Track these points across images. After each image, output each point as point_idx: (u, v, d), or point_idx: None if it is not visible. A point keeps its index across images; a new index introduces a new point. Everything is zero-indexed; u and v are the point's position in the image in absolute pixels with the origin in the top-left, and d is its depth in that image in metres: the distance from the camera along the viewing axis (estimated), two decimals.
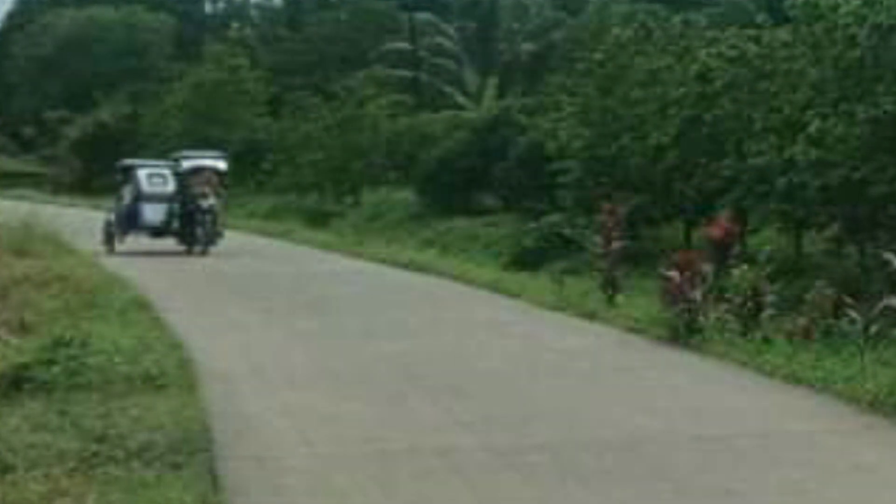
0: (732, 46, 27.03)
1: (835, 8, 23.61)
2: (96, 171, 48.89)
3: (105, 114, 55.53)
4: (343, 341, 13.34)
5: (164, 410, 8.81)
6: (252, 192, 44.09)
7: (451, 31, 55.90)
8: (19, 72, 63.43)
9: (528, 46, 52.35)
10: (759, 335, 12.61)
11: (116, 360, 10.33)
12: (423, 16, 56.29)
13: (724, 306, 13.45)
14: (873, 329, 11.65)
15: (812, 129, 22.59)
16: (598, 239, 17.33)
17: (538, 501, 7.06)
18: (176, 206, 26.79)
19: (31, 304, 13.88)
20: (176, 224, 26.80)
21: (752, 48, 26.63)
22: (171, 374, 10.23)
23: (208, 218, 26.29)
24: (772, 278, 14.05)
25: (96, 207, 35.11)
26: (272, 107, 51.54)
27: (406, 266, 23.27)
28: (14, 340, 11.31)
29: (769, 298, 13.51)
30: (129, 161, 29.50)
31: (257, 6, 72.45)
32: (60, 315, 13.17)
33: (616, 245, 16.71)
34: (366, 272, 22.80)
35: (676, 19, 31.75)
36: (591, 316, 15.25)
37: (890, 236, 20.20)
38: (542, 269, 24.20)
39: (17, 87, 63.24)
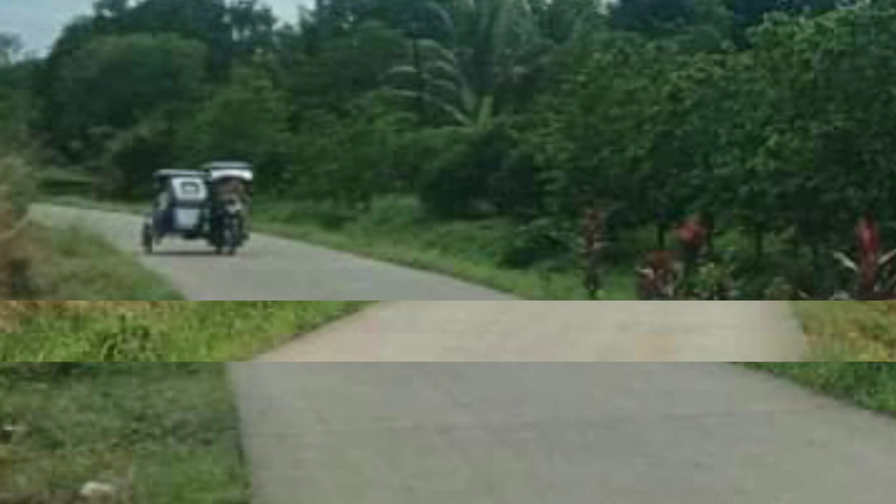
0: (700, 69, 27.10)
1: (791, 35, 23.68)
2: (136, 181, 48.89)
3: (143, 129, 55.54)
4: None
5: (195, 393, 8.80)
6: (274, 198, 44.10)
7: (450, 56, 55.90)
8: (67, 92, 63.45)
9: (519, 69, 52.35)
10: None
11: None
12: (425, 42, 56.30)
13: (692, 299, 13.45)
14: None
15: (771, 143, 22.64)
16: (581, 240, 17.32)
17: (528, 473, 7.05)
18: (206, 211, 26.79)
19: (78, 298, 13.86)
20: (206, 227, 26.80)
21: (718, 71, 26.69)
22: None
23: (235, 222, 26.30)
24: (735, 275, 14.06)
25: (136, 212, 35.09)
26: (292, 123, 51.55)
27: (410, 265, 23.24)
28: None
29: (733, 293, 13.51)
30: (164, 171, 29.50)
31: (279, 34, 72.50)
32: None
33: (597, 246, 16.71)
34: (375, 270, 22.78)
35: (651, 45, 31.81)
36: None
37: (840, 238, 20.25)
38: (531, 266, 24.23)
39: (65, 106, 63.26)
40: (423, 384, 9.73)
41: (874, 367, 9.31)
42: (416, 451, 7.52)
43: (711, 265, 13.90)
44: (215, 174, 27.56)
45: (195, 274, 20.47)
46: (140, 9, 70.85)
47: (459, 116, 51.35)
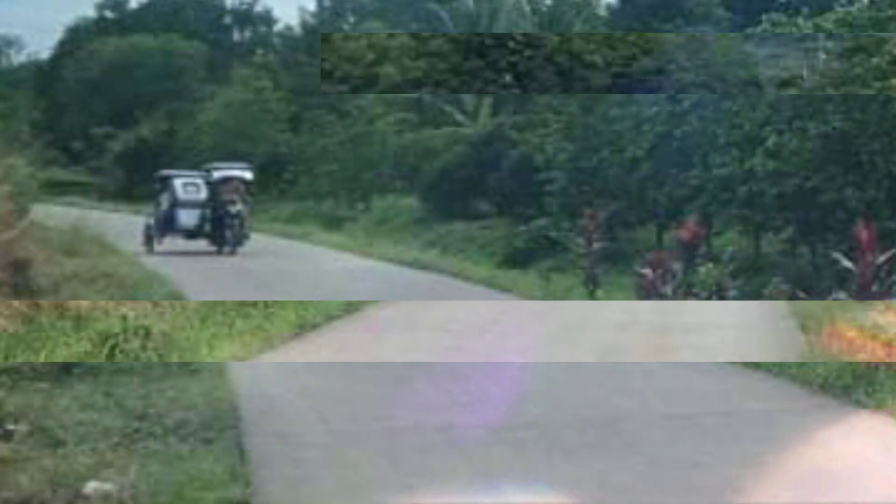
0: None
1: None
2: (137, 181, 48.82)
3: (145, 130, 55.51)
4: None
5: (197, 392, 8.81)
6: (275, 199, 44.08)
7: None
8: (69, 93, 63.42)
9: None
10: None
11: None
12: None
13: (691, 299, 13.46)
14: None
15: (769, 143, 22.64)
16: (580, 240, 17.35)
17: (527, 472, 7.06)
18: (208, 211, 26.80)
19: (79, 298, 13.86)
20: (208, 227, 26.81)
21: None
22: None
23: (236, 222, 26.31)
24: (734, 275, 14.10)
25: (137, 213, 35.07)
26: (293, 124, 51.53)
27: (411, 265, 23.25)
28: None
29: (731, 293, 13.53)
30: (166, 171, 29.48)
31: (279, 35, 72.46)
32: None
33: (596, 246, 16.73)
34: (375, 270, 22.78)
35: None
36: None
37: (838, 238, 20.22)
38: (531, 267, 24.20)
39: (67, 107, 63.24)
40: (423, 383, 9.74)
41: (872, 366, 9.32)
42: (416, 451, 7.53)
43: (710, 265, 13.93)
44: (216, 174, 27.57)
45: (196, 275, 20.48)
46: (141, 10, 70.82)
47: (459, 117, 51.32)
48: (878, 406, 8.66)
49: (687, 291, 13.71)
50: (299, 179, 44.65)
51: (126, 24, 67.94)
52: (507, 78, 15.38)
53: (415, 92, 21.80)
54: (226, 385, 9.28)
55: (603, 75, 17.59)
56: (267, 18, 72.96)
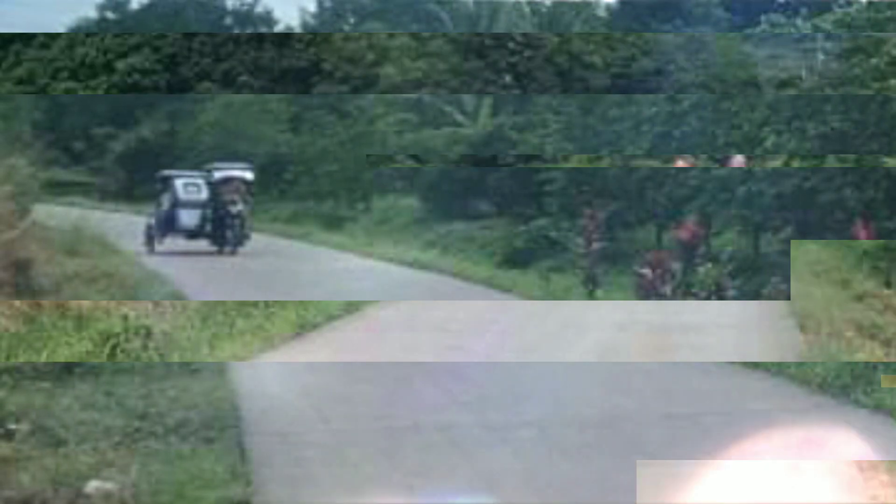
0: None
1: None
2: (138, 181, 48.70)
3: (146, 130, 55.42)
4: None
5: (198, 391, 8.80)
6: (275, 199, 43.94)
7: None
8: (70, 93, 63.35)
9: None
10: None
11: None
12: None
13: (691, 299, 13.45)
14: None
15: (768, 143, 22.65)
16: (580, 240, 17.34)
17: (527, 472, 7.05)
18: (208, 211, 26.79)
19: (81, 298, 13.84)
20: (208, 227, 26.79)
21: None
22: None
23: (237, 222, 26.31)
24: (733, 275, 14.09)
25: (138, 213, 34.99)
26: (293, 124, 51.44)
27: (411, 265, 23.23)
28: None
29: (730, 293, 13.53)
30: (167, 172, 29.42)
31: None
32: None
33: (596, 246, 16.73)
34: (376, 270, 22.76)
35: None
36: None
37: (837, 238, 20.20)
38: (531, 267, 24.17)
39: (68, 107, 63.20)
40: (423, 383, 9.73)
41: (871, 366, 9.32)
42: (416, 450, 7.53)
43: (709, 265, 13.93)
44: (217, 175, 27.57)
45: (197, 274, 20.46)
46: (142, 11, 70.81)
47: (459, 118, 51.27)
48: (877, 405, 8.66)
49: (686, 291, 13.71)
50: (299, 179, 44.52)
51: (127, 24, 67.86)
52: (507, 78, 15.39)
53: (415, 92, 21.83)
54: (226, 385, 9.28)
55: (602, 76, 17.64)
56: (268, 19, 72.78)
